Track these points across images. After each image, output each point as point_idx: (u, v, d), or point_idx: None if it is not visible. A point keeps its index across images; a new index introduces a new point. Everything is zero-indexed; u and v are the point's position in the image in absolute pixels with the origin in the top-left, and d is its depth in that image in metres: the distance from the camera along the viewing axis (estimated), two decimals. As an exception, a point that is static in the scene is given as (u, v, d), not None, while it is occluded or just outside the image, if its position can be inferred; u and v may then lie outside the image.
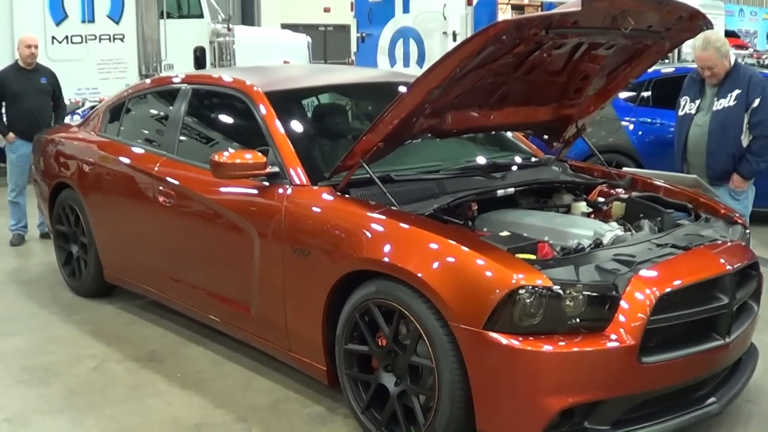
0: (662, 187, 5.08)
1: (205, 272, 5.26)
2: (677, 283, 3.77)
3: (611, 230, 4.30)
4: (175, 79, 6.06)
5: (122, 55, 13.35)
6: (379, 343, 4.09)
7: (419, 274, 3.77)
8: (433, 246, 3.84)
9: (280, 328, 4.60)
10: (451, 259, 3.77)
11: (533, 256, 3.83)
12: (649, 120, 9.15)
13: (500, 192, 4.62)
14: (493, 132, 5.51)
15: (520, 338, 3.56)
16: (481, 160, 5.18)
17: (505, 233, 4.07)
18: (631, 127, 9.20)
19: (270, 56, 14.87)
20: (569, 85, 4.87)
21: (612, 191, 5.08)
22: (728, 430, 4.36)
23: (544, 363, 3.57)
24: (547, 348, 3.55)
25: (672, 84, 8.96)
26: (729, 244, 4.26)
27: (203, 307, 5.30)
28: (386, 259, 3.93)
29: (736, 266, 4.03)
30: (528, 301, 3.54)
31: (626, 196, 4.87)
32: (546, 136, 5.45)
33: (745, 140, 5.86)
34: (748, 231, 4.67)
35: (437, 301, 3.72)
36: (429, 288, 3.73)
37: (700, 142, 5.95)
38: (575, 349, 3.58)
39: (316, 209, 4.40)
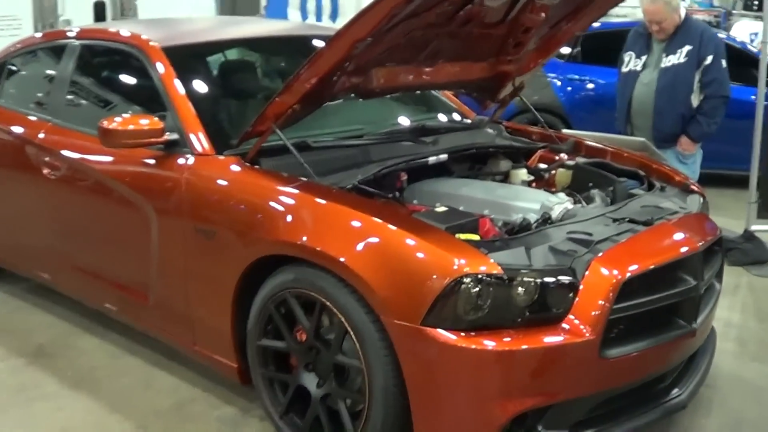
0: (609, 151, 4.60)
1: (98, 255, 4.59)
2: (642, 265, 3.28)
3: (560, 203, 3.79)
4: (69, 33, 5.28)
5: (15, 10, 12.35)
6: (298, 339, 3.54)
7: (342, 259, 3.20)
8: (358, 225, 3.28)
9: (182, 319, 3.98)
10: (380, 242, 3.21)
11: (476, 237, 3.30)
12: (577, 77, 8.71)
13: (432, 159, 4.08)
14: (422, 91, 4.94)
15: (464, 335, 3.03)
16: (409, 123, 4.62)
17: (441, 208, 3.53)
18: (559, 83, 8.75)
19: (174, 10, 13.98)
20: (509, 39, 4.31)
21: (555, 157, 4.58)
22: (690, 420, 3.95)
23: (492, 363, 3.05)
24: (495, 345, 3.03)
25: (601, 39, 8.57)
26: (692, 217, 3.80)
27: (97, 293, 4.64)
28: (303, 242, 3.35)
29: (703, 244, 3.56)
30: (473, 291, 3.01)
31: (572, 162, 4.37)
32: (480, 95, 4.91)
33: (695, 100, 5.42)
34: (705, 200, 4.22)
35: (366, 292, 3.17)
36: (355, 276, 3.18)
37: (646, 101, 5.49)
38: (527, 346, 3.06)
39: (221, 182, 3.77)
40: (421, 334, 3.04)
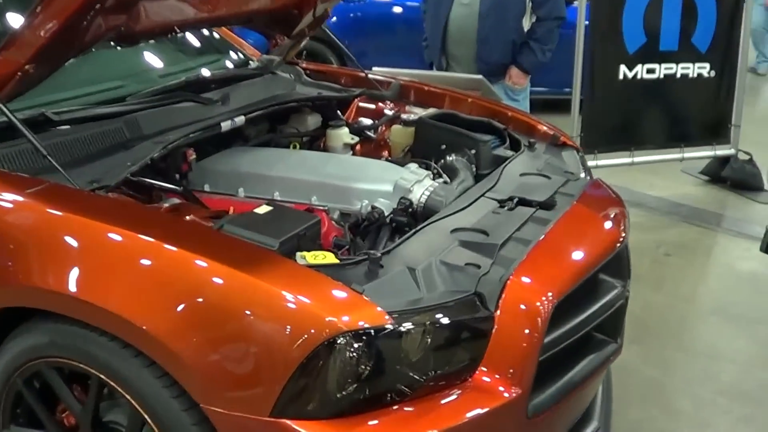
0: (447, 95, 3.57)
1: None
2: (570, 277, 2.30)
3: (418, 179, 2.74)
4: None
5: None
6: (65, 424, 2.31)
7: (131, 319, 1.98)
8: (147, 263, 2.05)
9: None
10: (188, 287, 2.00)
11: (328, 255, 2.16)
12: (343, -5, 7.59)
13: (226, 125, 2.91)
14: (197, 29, 3.65)
15: (337, 422, 1.93)
16: (183, 73, 3.35)
17: (263, 209, 2.35)
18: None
19: None
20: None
21: (381, 107, 3.52)
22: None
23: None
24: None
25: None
26: (593, 189, 2.87)
27: None
28: (60, 290, 2.07)
29: (625, 231, 2.64)
30: (350, 356, 1.90)
31: (410, 116, 3.32)
32: (271, 30, 3.74)
33: (526, 23, 4.46)
34: (581, 153, 3.31)
35: (174, 369, 1.98)
36: (154, 343, 1.97)
37: (467, 26, 4.47)
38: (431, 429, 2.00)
39: None
40: (272, 429, 1.91)
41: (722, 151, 6.05)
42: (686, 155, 5.92)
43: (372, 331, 1.91)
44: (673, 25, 5.64)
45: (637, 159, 5.77)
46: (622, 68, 5.60)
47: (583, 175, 3.07)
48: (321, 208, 2.68)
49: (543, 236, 2.37)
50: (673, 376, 3.61)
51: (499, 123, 3.28)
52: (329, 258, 2.12)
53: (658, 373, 3.63)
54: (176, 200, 2.52)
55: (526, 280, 2.19)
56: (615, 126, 5.73)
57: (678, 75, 5.77)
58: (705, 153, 6.04)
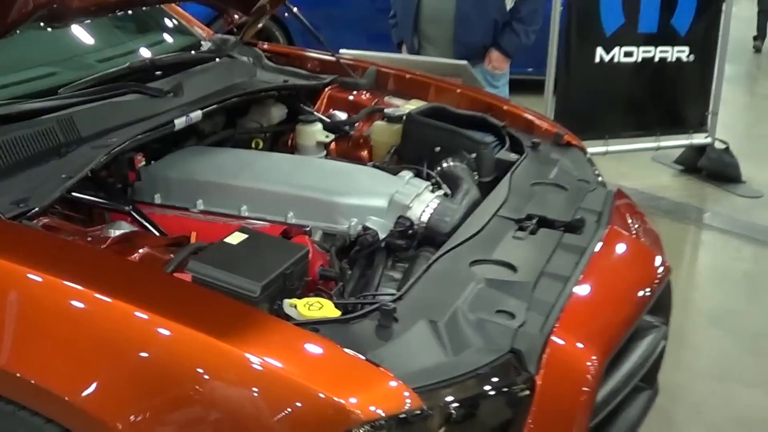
0: (432, 83, 3.11)
1: None
2: (620, 325, 1.87)
3: (416, 191, 2.29)
4: None
5: None
6: None
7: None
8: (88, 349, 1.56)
9: None
10: (133, 348, 1.53)
11: (326, 306, 1.69)
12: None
13: (180, 122, 2.42)
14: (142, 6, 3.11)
15: None
16: (126, 57, 2.82)
17: (236, 237, 1.86)
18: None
19: None
20: None
21: (357, 97, 3.05)
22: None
23: None
24: None
25: None
26: (621, 202, 2.44)
27: None
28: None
29: (664, 258, 2.22)
30: None
31: (394, 110, 2.85)
32: (227, 5, 3.24)
33: (509, 2, 3.99)
34: (588, 155, 2.89)
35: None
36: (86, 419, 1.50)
37: (444, 3, 3.99)
38: None
39: None
40: None
41: (699, 140, 5.70)
42: (662, 144, 5.56)
43: (395, 419, 1.45)
44: (653, 5, 5.26)
45: (611, 148, 5.38)
46: (599, 51, 5.19)
47: (598, 181, 2.64)
48: (300, 227, 2.21)
49: (582, 272, 1.93)
50: (681, 404, 3.23)
51: (490, 117, 2.83)
52: (327, 308, 1.66)
53: (664, 400, 3.23)
54: (124, 224, 2.01)
55: (570, 331, 1.75)
56: (589, 112, 5.33)
57: (656, 59, 5.39)
58: (681, 142, 5.69)
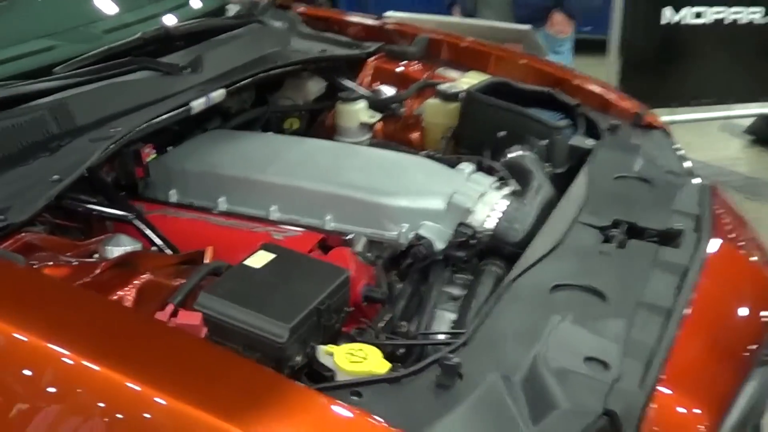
0: (491, 53, 2.71)
1: None
2: (739, 377, 1.50)
3: (480, 190, 1.92)
4: None
5: None
6: None
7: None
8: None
9: None
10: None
11: (369, 353, 1.33)
12: None
13: (198, 105, 2.05)
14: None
15: None
16: (140, 25, 2.45)
17: (259, 258, 1.51)
18: None
19: None
20: None
21: (409, 68, 2.67)
22: None
23: None
24: None
25: None
26: (718, 201, 2.06)
27: None
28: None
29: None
30: None
31: (449, 86, 2.47)
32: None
33: (574, -44, 3.62)
34: (673, 140, 2.49)
35: None
36: None
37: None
38: None
39: None
40: None
41: (774, 108, 5.29)
42: (732, 113, 5.14)
43: None
44: (729, -40, 4.83)
45: (678, 117, 4.97)
46: (667, 11, 4.77)
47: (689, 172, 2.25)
48: (340, 233, 1.86)
49: (686, 302, 1.55)
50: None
51: (558, 93, 2.44)
52: (372, 359, 1.30)
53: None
54: (124, 238, 1.65)
55: (677, 386, 1.38)
56: (653, 79, 4.93)
57: (727, 21, 4.95)
58: (753, 111, 5.27)
